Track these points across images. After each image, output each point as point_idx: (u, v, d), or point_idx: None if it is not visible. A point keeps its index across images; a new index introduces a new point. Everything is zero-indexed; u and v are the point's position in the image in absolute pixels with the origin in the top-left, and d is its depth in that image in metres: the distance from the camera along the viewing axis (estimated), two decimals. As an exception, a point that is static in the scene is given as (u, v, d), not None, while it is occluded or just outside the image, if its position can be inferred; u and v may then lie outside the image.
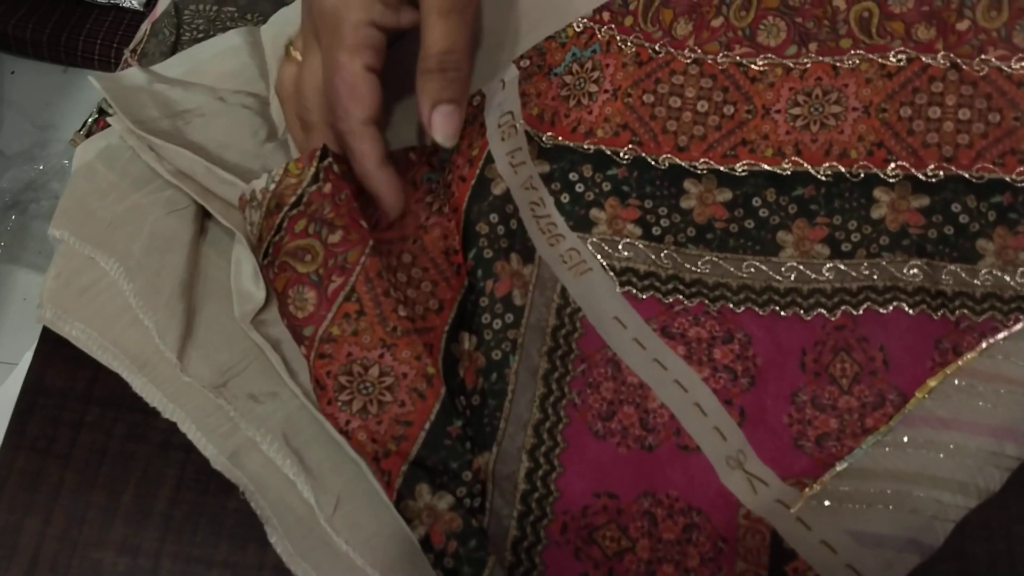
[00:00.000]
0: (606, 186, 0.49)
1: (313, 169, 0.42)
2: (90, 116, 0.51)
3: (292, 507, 0.41)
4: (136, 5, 1.13)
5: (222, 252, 0.47)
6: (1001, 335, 0.43)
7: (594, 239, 0.48)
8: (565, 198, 0.48)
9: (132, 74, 0.47)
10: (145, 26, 0.54)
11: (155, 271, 0.44)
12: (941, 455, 0.42)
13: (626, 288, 0.47)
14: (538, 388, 0.44)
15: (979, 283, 0.45)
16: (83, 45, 1.14)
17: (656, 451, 0.43)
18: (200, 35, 0.52)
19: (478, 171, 0.48)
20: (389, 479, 0.40)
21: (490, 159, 0.49)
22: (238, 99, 0.47)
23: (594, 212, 0.48)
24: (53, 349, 0.46)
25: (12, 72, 1.21)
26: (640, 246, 0.48)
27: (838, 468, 0.42)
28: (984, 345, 0.43)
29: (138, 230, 0.45)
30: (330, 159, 0.43)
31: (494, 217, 0.47)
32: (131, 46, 0.53)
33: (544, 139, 0.50)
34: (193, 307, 0.45)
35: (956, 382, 0.43)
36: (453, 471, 0.40)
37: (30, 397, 0.45)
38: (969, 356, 0.43)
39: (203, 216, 0.47)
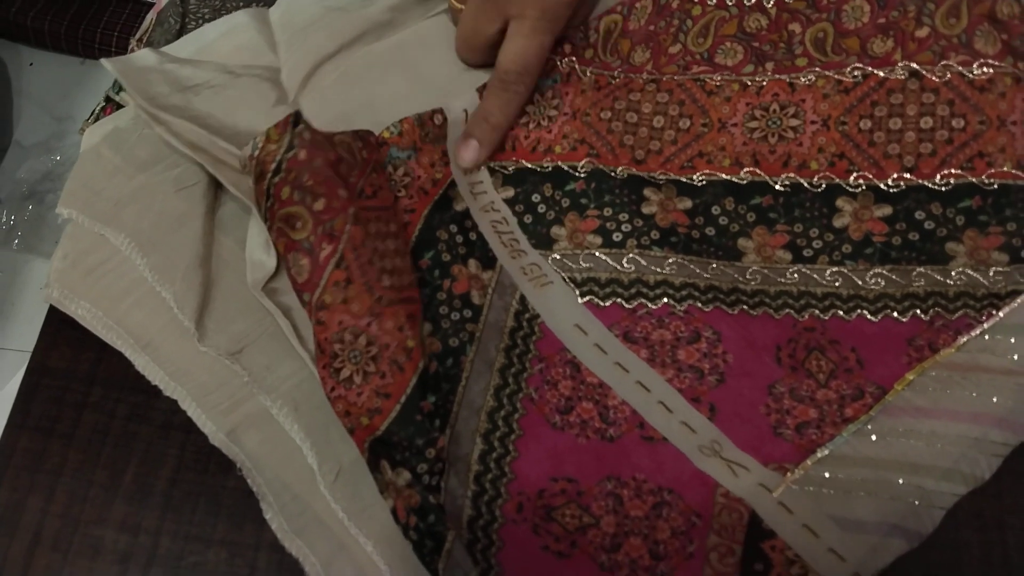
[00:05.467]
0: (565, 202, 0.49)
1: (289, 135, 0.43)
2: (98, 105, 0.52)
3: (288, 485, 0.42)
4: (154, -3, 1.14)
5: (229, 232, 0.47)
6: (975, 331, 0.44)
7: (555, 255, 0.48)
8: (528, 219, 0.49)
9: (143, 55, 0.48)
10: (151, 15, 0.55)
11: (169, 246, 0.45)
12: (921, 443, 0.42)
13: (588, 298, 0.47)
14: (493, 379, 0.45)
15: (951, 283, 0.45)
16: (100, 37, 1.15)
17: (618, 441, 0.43)
18: (205, 23, 0.52)
19: (441, 191, 0.49)
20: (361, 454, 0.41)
21: (453, 185, 0.50)
22: (247, 71, 0.48)
23: (555, 230, 0.49)
24: (58, 331, 0.47)
25: (31, 64, 1.22)
26: (601, 256, 0.48)
27: (820, 454, 0.42)
28: (961, 341, 0.44)
29: (146, 208, 0.46)
30: (303, 125, 0.44)
31: (454, 228, 0.48)
32: (137, 35, 0.54)
33: (507, 167, 0.51)
34: (210, 280, 0.45)
35: (934, 374, 0.43)
36: (417, 447, 0.40)
37: (34, 378, 0.46)
38: (945, 352, 0.44)
39: (211, 195, 0.47)
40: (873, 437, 0.42)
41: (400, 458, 0.40)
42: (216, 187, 0.48)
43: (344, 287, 0.42)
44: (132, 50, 0.55)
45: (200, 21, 0.53)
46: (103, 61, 0.46)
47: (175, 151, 0.47)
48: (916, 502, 0.41)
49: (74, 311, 0.45)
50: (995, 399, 0.42)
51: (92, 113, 0.52)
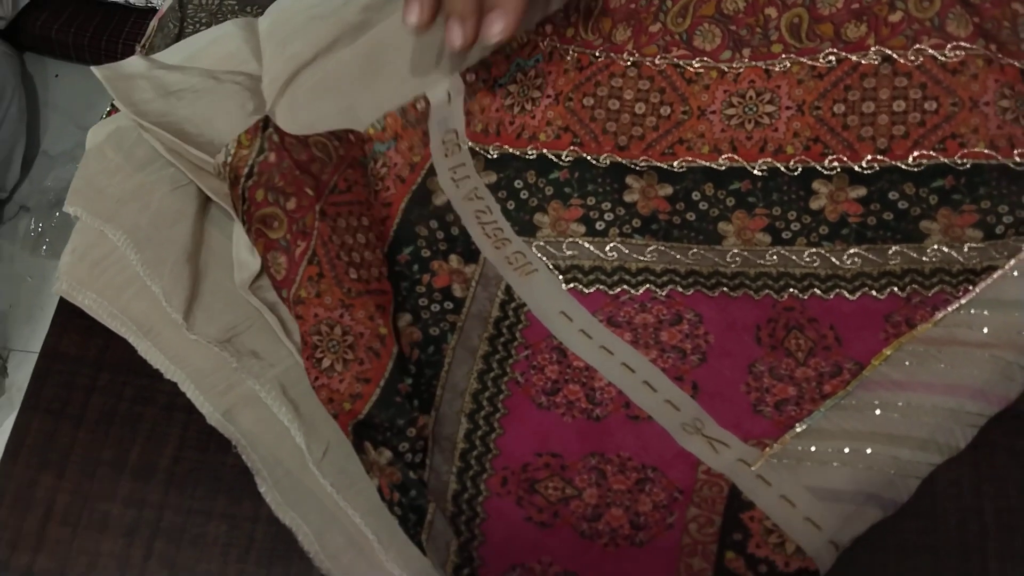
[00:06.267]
0: (548, 190, 0.51)
1: (259, 140, 0.45)
2: (105, 110, 0.55)
3: (281, 461, 0.44)
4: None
5: (223, 228, 0.50)
6: (952, 307, 0.45)
7: (539, 242, 0.50)
8: (511, 205, 0.51)
9: (132, 62, 0.50)
10: (153, 22, 0.58)
11: (160, 242, 0.47)
12: (896, 415, 0.43)
13: (572, 285, 0.49)
14: (476, 364, 0.46)
15: (927, 259, 0.46)
16: (122, 48, 1.19)
17: (604, 421, 0.45)
18: (202, 27, 0.55)
19: (419, 179, 0.51)
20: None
21: (432, 172, 0.51)
22: (231, 77, 0.50)
23: (538, 216, 0.50)
24: (68, 319, 0.49)
25: (56, 76, 1.26)
26: (584, 244, 0.50)
27: (798, 429, 0.43)
28: (938, 316, 0.45)
29: (145, 206, 0.48)
30: (271, 129, 0.46)
31: (434, 223, 0.50)
32: (141, 41, 0.57)
33: (490, 150, 0.52)
34: (199, 274, 0.48)
35: (911, 349, 0.44)
36: (399, 427, 0.42)
37: (46, 363, 0.48)
38: (923, 327, 0.45)
39: (204, 193, 0.50)
40: (850, 411, 0.44)
41: (382, 438, 0.42)
42: None
43: (317, 281, 0.44)
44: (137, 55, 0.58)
45: (198, 26, 0.55)
46: (93, 68, 0.49)
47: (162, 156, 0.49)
48: (892, 472, 0.42)
49: (81, 301, 0.48)
50: (970, 371, 0.43)
51: (102, 116, 0.55)
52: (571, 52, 0.53)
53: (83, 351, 0.49)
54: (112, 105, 0.54)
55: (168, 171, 0.49)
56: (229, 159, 0.45)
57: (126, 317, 0.47)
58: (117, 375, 0.48)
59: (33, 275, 1.20)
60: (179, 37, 0.55)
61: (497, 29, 0.45)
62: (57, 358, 0.49)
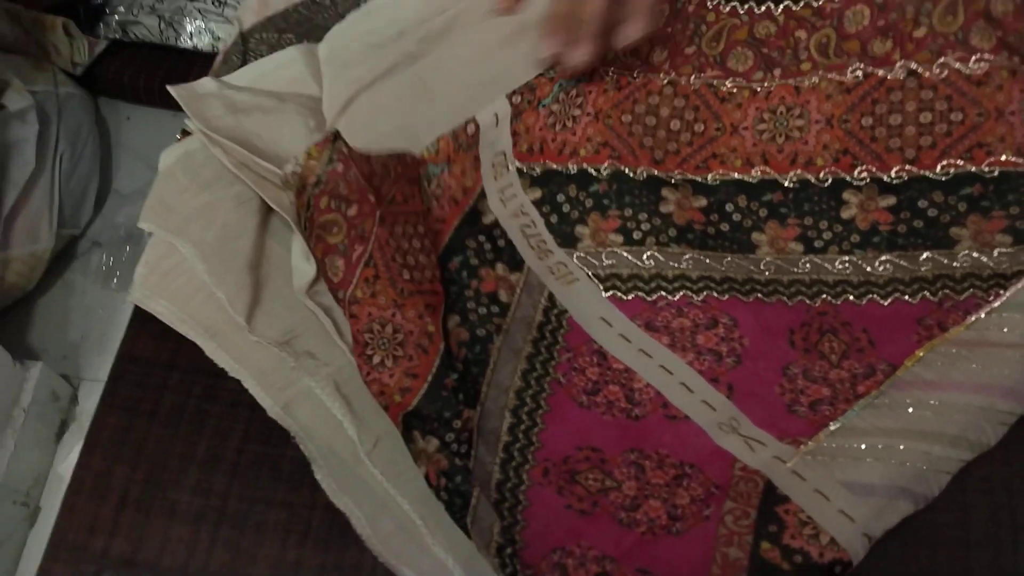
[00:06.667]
0: (588, 203, 0.54)
1: (329, 151, 0.49)
2: (177, 136, 0.59)
3: (336, 451, 0.47)
4: (235, 54, 1.24)
5: (282, 241, 0.54)
6: (984, 311, 0.46)
7: (580, 253, 0.53)
8: (554, 218, 0.54)
9: (204, 83, 0.55)
10: (220, 56, 0.62)
11: (225, 254, 0.51)
12: (929, 412, 0.45)
13: (611, 292, 0.51)
14: (520, 364, 0.49)
15: (958, 265, 0.48)
16: (190, 91, 1.25)
17: (643, 420, 0.47)
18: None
19: (472, 202, 0.54)
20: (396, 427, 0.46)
21: (483, 195, 0.54)
22: (294, 98, 0.54)
23: (579, 228, 0.53)
24: (142, 325, 0.53)
25: (128, 118, 1.33)
26: (623, 253, 0.52)
27: (832, 428, 0.45)
28: (970, 320, 0.46)
29: (211, 221, 0.52)
30: (340, 141, 0.49)
31: (482, 237, 0.53)
32: (209, 74, 0.61)
33: (535, 168, 0.55)
34: (260, 283, 0.52)
35: (943, 350, 0.46)
36: (445, 419, 0.45)
37: (123, 365, 0.52)
38: (955, 330, 0.46)
39: (264, 209, 0.54)
40: (883, 409, 0.45)
41: (430, 428, 0.45)
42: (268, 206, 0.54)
43: (372, 283, 0.47)
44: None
45: (259, 56, 0.60)
46: (169, 87, 0.54)
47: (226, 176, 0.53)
48: (923, 467, 0.43)
49: (153, 308, 0.52)
50: (1001, 371, 0.45)
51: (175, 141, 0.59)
52: (611, 73, 0.56)
53: (156, 354, 0.53)
54: (182, 131, 0.58)
55: (232, 190, 0.53)
56: (298, 169, 0.49)
57: (194, 321, 0.51)
58: (187, 375, 0.52)
59: (104, 307, 1.26)
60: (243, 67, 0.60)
61: (634, 30, 0.51)
62: (132, 360, 0.53)
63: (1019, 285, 0.47)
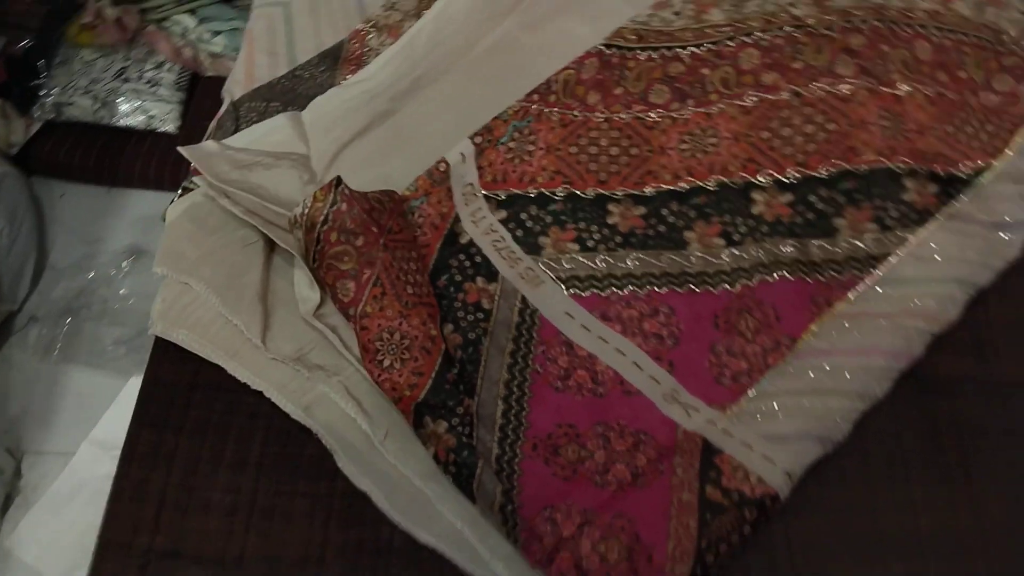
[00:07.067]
0: (548, 219, 0.65)
1: (332, 194, 0.58)
2: (177, 193, 0.67)
3: (352, 443, 0.55)
4: (171, 129, 1.30)
5: (283, 275, 0.62)
6: (861, 287, 0.59)
7: (544, 259, 0.63)
8: (519, 232, 0.64)
9: (208, 144, 0.64)
10: (214, 123, 0.71)
11: (236, 288, 0.60)
12: (824, 375, 0.56)
13: (572, 290, 0.62)
14: (506, 359, 0.59)
15: (839, 250, 0.60)
16: (123, 167, 1.29)
17: (606, 397, 0.57)
18: (253, 124, 0.68)
19: (448, 225, 0.64)
20: (406, 416, 0.55)
21: (457, 219, 0.65)
22: (287, 156, 0.63)
23: (541, 239, 0.64)
24: (163, 354, 0.60)
25: (61, 195, 1.36)
26: (579, 258, 0.63)
27: (750, 394, 0.56)
28: (850, 296, 0.59)
29: (220, 262, 0.61)
30: (343, 185, 0.58)
31: (462, 256, 0.63)
32: (206, 139, 0.70)
33: (500, 194, 0.66)
34: (268, 311, 0.60)
35: (831, 323, 0.58)
36: (450, 407, 0.55)
37: (149, 388, 0.59)
38: (839, 305, 0.58)
39: (268, 248, 0.62)
40: (788, 376, 0.57)
41: (438, 414, 0.54)
42: (270, 243, 0.63)
43: (380, 299, 0.57)
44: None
45: (249, 123, 0.69)
46: (179, 149, 0.62)
47: (236, 217, 0.62)
48: (825, 417, 0.55)
49: (176, 337, 0.59)
50: (879, 337, 0.57)
51: (172, 201, 0.67)
52: (555, 113, 0.68)
53: (178, 377, 0.60)
54: (182, 188, 0.66)
55: (237, 234, 0.62)
56: (306, 211, 0.57)
57: (214, 346, 0.58)
58: (208, 392, 0.59)
59: (44, 381, 1.27)
60: (235, 132, 0.68)
61: None
62: (157, 384, 0.59)
63: (887, 264, 0.59)
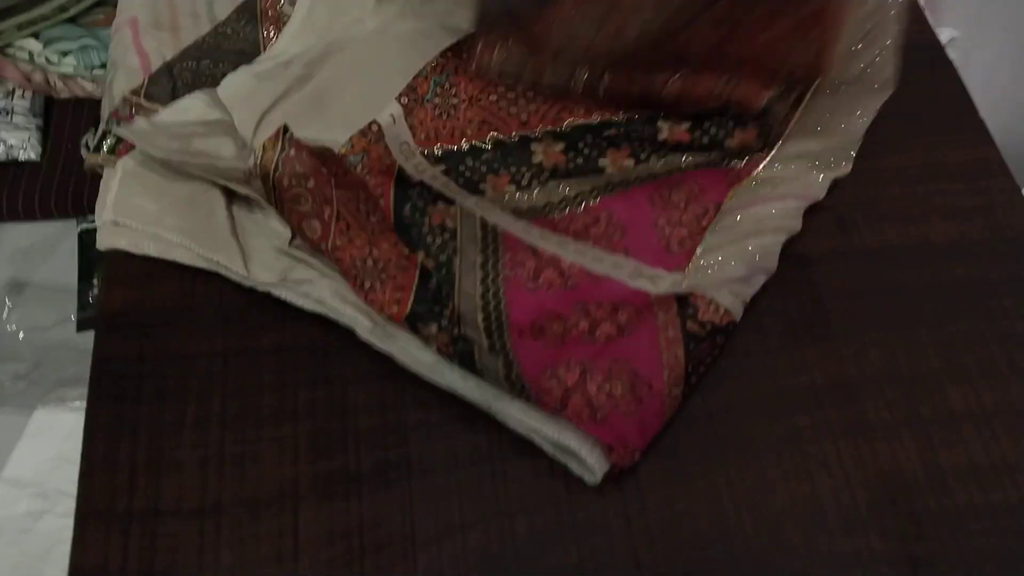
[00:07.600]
0: (483, 168, 0.70)
1: (280, 141, 0.62)
2: (100, 131, 0.69)
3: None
4: (33, 156, 1.27)
5: (246, 215, 0.66)
6: (761, 165, 0.70)
7: (487, 201, 0.69)
8: (460, 181, 0.70)
9: (139, 122, 0.66)
10: (144, 80, 0.71)
11: (207, 229, 0.63)
12: (751, 221, 0.66)
13: (521, 221, 0.67)
14: (478, 272, 0.64)
15: (735, 144, 0.70)
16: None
17: (577, 287, 0.64)
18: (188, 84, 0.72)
19: (396, 171, 0.69)
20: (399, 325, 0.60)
21: (402, 169, 0.69)
22: (217, 124, 0.66)
23: (482, 185, 0.70)
24: (111, 327, 0.63)
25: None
26: (518, 196, 0.69)
27: (698, 252, 0.65)
28: (754, 172, 0.70)
29: (181, 210, 0.64)
30: (290, 132, 0.62)
31: (419, 188, 0.68)
32: (140, 95, 0.70)
33: (436, 150, 0.71)
34: (243, 247, 0.64)
35: (746, 187, 0.69)
36: (436, 312, 0.60)
37: (101, 365, 0.61)
38: (746, 180, 0.69)
39: (226, 192, 0.66)
40: (723, 230, 0.66)
41: (428, 320, 0.59)
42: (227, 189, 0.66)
43: (347, 231, 0.61)
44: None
45: (184, 82, 0.72)
46: (115, 129, 0.64)
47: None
48: (762, 252, 0.65)
49: (125, 239, 0.63)
50: (785, 188, 0.68)
51: (96, 137, 0.69)
52: (472, 66, 0.74)
53: (125, 350, 0.62)
54: (103, 132, 0.68)
55: (192, 183, 0.65)
56: (258, 161, 0.61)
57: (171, 231, 0.62)
58: (159, 362, 0.62)
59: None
60: (173, 89, 0.71)
61: None
62: (107, 360, 0.61)
63: (778, 144, 0.70)
